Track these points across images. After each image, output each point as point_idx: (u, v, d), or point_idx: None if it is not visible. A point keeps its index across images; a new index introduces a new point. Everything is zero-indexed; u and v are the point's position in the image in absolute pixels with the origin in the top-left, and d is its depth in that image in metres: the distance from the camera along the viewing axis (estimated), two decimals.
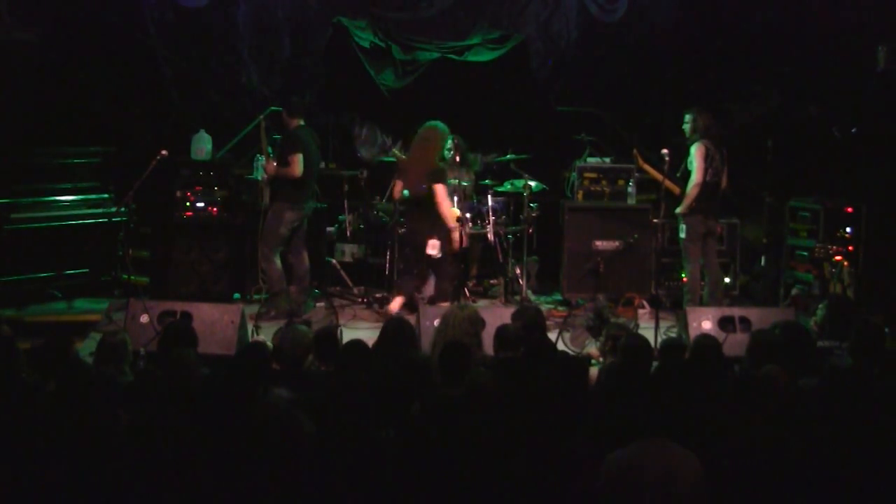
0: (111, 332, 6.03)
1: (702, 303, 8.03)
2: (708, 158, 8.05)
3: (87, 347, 6.93)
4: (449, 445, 4.15)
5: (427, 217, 7.98)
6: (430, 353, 6.02)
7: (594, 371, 5.95)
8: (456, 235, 7.94)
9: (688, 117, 8.17)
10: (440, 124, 8.13)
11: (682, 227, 8.14)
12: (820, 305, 7.04)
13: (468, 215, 8.68)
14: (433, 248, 7.89)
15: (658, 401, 4.33)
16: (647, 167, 8.68)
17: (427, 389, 4.81)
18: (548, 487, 4.05)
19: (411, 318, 6.95)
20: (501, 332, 5.86)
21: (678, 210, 8.02)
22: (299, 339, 5.64)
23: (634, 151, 8.75)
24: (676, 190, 8.23)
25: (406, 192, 8.08)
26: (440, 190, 7.88)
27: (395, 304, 8.14)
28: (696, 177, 8.02)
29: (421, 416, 4.48)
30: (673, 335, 7.32)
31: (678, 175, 8.08)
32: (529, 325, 6.12)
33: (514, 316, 6.41)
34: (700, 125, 8.10)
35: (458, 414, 4.34)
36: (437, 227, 7.92)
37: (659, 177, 8.44)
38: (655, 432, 4.13)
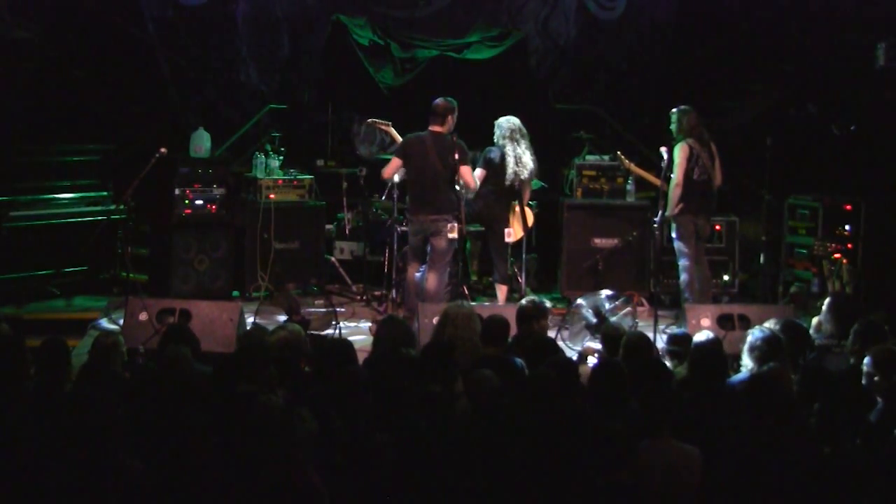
0: (105, 332, 5.99)
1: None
2: (691, 158, 8.03)
3: (84, 345, 6.93)
4: (437, 443, 4.15)
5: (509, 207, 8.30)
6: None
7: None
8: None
9: (673, 117, 8.14)
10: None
11: (673, 226, 8.15)
12: (819, 303, 7.03)
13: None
14: (509, 235, 8.31)
15: (662, 398, 4.33)
16: (633, 168, 8.67)
17: (418, 387, 4.81)
18: (547, 485, 4.05)
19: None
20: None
21: (666, 212, 8.02)
22: (292, 339, 5.54)
23: (619, 154, 8.74)
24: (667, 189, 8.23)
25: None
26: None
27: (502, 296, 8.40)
28: (677, 177, 8.01)
29: (409, 413, 4.48)
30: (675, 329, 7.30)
31: (668, 174, 8.07)
32: (520, 316, 6.07)
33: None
34: (685, 125, 8.07)
35: (440, 411, 4.35)
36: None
37: (646, 176, 8.47)
38: (659, 431, 4.13)
